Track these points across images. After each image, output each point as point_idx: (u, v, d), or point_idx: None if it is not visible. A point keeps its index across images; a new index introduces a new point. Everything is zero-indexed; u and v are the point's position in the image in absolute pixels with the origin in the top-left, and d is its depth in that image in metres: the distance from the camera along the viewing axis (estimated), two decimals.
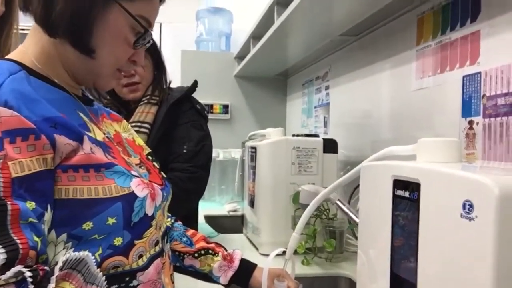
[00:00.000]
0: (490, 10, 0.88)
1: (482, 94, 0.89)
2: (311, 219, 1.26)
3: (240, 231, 1.59)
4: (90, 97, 0.74)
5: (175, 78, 2.36)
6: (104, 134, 0.66)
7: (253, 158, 1.39)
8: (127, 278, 0.60)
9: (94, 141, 0.60)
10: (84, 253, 0.53)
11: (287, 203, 1.29)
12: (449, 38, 1.01)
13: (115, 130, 0.74)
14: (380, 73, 1.36)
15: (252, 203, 1.41)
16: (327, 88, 1.85)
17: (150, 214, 0.63)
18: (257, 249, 1.36)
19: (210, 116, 2.41)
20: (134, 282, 0.61)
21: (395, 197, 0.56)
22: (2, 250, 0.45)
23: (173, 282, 0.72)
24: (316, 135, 1.39)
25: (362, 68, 1.48)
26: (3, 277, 0.45)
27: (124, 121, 0.82)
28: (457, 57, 0.97)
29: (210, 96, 2.44)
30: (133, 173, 0.63)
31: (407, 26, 1.18)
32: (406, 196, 0.53)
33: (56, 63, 0.63)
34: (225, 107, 2.47)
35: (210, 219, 1.90)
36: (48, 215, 0.52)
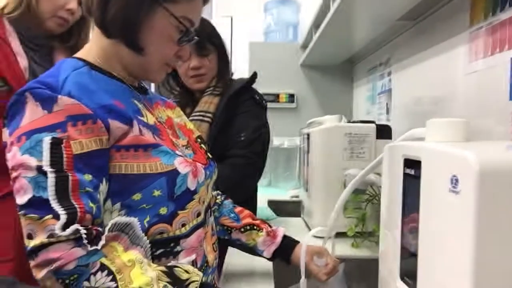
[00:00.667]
0: None
1: None
2: (362, 204, 1.29)
3: (300, 215, 1.66)
4: (147, 87, 0.86)
5: (244, 69, 2.48)
6: (157, 118, 0.77)
7: (308, 144, 1.44)
8: (172, 244, 0.71)
9: (145, 124, 0.71)
10: (131, 219, 0.65)
11: (339, 187, 1.32)
12: (499, 19, 0.97)
13: (167, 116, 0.84)
14: (436, 57, 1.33)
15: (306, 188, 1.46)
16: (389, 74, 1.83)
17: (192, 188, 0.72)
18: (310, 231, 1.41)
19: (276, 105, 2.51)
20: (178, 248, 0.71)
21: (405, 175, 0.59)
22: (64, 212, 0.58)
23: (215, 251, 0.82)
24: (371, 121, 1.41)
25: (420, 52, 1.46)
26: (64, 233, 0.57)
27: (178, 108, 0.92)
28: (506, 38, 0.94)
29: (276, 86, 2.52)
30: (178, 152, 0.73)
31: (460, 8, 1.15)
32: (412, 173, 0.56)
33: (114, 60, 0.74)
34: (291, 96, 2.53)
35: (273, 204, 1.98)
36: (103, 187, 0.64)
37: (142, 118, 0.72)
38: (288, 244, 0.96)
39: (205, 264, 0.75)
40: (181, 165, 0.71)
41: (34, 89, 0.62)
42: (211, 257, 0.78)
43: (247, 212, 1.01)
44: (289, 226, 1.51)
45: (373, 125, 1.35)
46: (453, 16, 1.21)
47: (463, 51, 1.14)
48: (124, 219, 0.64)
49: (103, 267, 0.58)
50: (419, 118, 1.48)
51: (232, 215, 0.99)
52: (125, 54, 0.73)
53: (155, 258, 0.68)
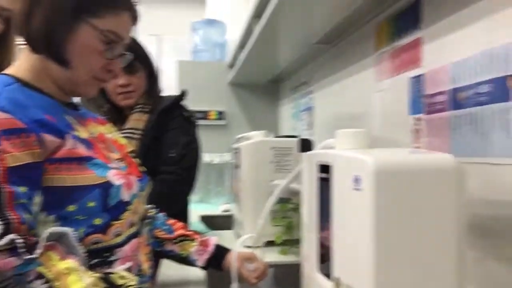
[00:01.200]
0: (428, 19, 1.00)
1: (424, 93, 1.00)
2: (289, 212, 1.38)
3: (232, 229, 1.71)
4: (77, 103, 0.87)
5: (173, 87, 2.51)
6: (89, 133, 0.79)
7: (237, 159, 1.51)
8: (107, 253, 0.73)
9: (78, 138, 0.73)
10: (66, 229, 0.66)
11: (267, 198, 1.40)
12: (399, 44, 1.12)
13: (100, 131, 0.87)
14: (350, 77, 1.48)
15: (237, 201, 1.53)
16: (310, 93, 1.97)
17: (126, 200, 0.75)
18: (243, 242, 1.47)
19: (206, 122, 2.56)
20: (113, 257, 0.74)
21: (319, 179, 0.68)
22: None
23: (150, 260, 0.85)
24: (295, 136, 1.51)
25: (336, 73, 1.61)
26: None
27: (109, 124, 0.95)
28: (405, 61, 1.09)
29: (206, 103, 2.58)
30: (111, 165, 0.76)
31: (368, 34, 1.30)
32: (325, 177, 0.65)
33: (43, 75, 0.76)
34: (220, 113, 2.60)
35: (205, 219, 2.02)
36: (38, 198, 0.65)
37: (74, 133, 0.74)
38: (220, 252, 1.01)
39: (140, 273, 0.78)
40: (115, 177, 0.74)
41: None
42: (146, 266, 0.81)
43: (180, 224, 1.05)
44: (221, 238, 1.54)
45: (296, 139, 1.45)
46: (362, 41, 1.36)
47: (372, 72, 1.28)
48: (59, 229, 0.66)
49: (40, 276, 0.59)
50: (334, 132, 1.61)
51: (165, 227, 1.02)
52: (53, 69, 0.75)
53: (90, 268, 0.70)
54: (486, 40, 0.80)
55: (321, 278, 0.66)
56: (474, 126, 0.83)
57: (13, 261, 0.58)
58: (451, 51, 0.91)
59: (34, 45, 0.73)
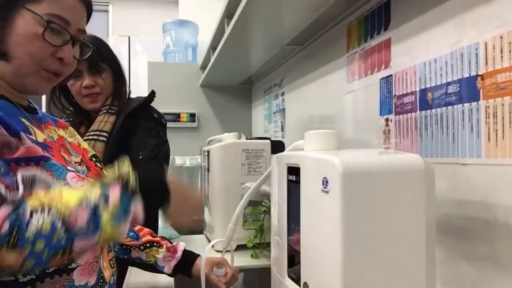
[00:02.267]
0: (397, 20, 1.00)
1: (393, 94, 1.00)
2: (261, 215, 1.36)
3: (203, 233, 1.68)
4: (36, 106, 0.83)
5: (144, 89, 2.45)
6: (46, 137, 0.75)
7: (208, 161, 1.48)
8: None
9: (34, 142, 0.69)
10: (36, 171, 0.63)
11: (238, 201, 1.38)
12: (369, 45, 1.12)
13: (59, 135, 0.82)
14: (322, 78, 1.47)
15: (208, 204, 1.49)
16: (282, 94, 1.96)
17: None
18: (213, 246, 1.44)
19: (177, 124, 2.51)
20: (73, 265, 0.70)
21: (288, 181, 0.66)
22: None
23: (112, 267, 0.81)
24: (267, 138, 1.49)
25: (308, 74, 1.60)
26: None
27: (70, 128, 0.90)
28: (375, 62, 1.09)
29: (177, 105, 2.53)
30: (69, 168, 0.72)
31: (340, 35, 1.30)
32: (294, 179, 0.63)
33: None
34: (192, 115, 2.56)
35: None
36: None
37: (30, 136, 0.70)
38: (189, 258, 0.98)
39: (101, 280, 0.74)
40: (73, 180, 0.70)
41: None
42: (108, 273, 0.77)
43: (146, 230, 1.01)
44: (192, 243, 1.52)
45: (268, 141, 1.43)
46: (333, 42, 1.36)
47: (343, 73, 1.28)
48: (31, 172, 0.63)
49: (35, 209, 0.55)
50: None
51: (131, 233, 0.98)
52: None
53: (47, 276, 0.66)
54: (454, 40, 0.80)
55: (289, 282, 0.64)
56: (442, 126, 0.83)
57: (3, 210, 0.54)
58: (419, 52, 0.91)
59: None
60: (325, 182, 0.53)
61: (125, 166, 0.66)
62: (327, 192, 0.52)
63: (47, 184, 0.64)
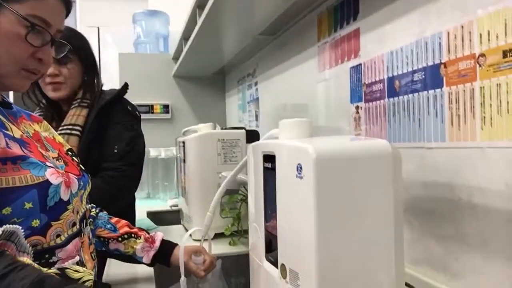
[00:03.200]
0: (365, 10, 1.03)
1: (363, 82, 1.03)
2: (237, 203, 1.38)
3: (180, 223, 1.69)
4: (10, 101, 0.82)
5: (115, 80, 2.42)
6: (22, 132, 0.74)
7: (183, 152, 1.49)
8: (47, 255, 0.69)
9: (11, 137, 0.69)
10: (16, 227, 0.62)
11: (215, 191, 1.39)
12: (339, 35, 1.15)
13: (34, 130, 0.82)
14: (294, 68, 1.49)
15: (184, 195, 1.51)
16: (256, 84, 1.98)
17: (65, 199, 0.72)
18: (190, 235, 1.46)
19: (150, 116, 2.50)
20: (54, 258, 0.70)
21: (264, 169, 0.68)
22: None
23: (93, 259, 0.82)
24: (242, 128, 1.51)
25: (281, 64, 1.62)
26: None
27: (45, 122, 0.90)
28: (345, 51, 1.12)
29: (150, 97, 2.52)
30: (48, 164, 0.72)
31: (310, 25, 1.32)
32: (269, 167, 0.65)
33: None
34: (166, 106, 2.55)
35: (153, 215, 1.98)
36: None
37: (7, 132, 0.69)
38: (167, 247, 0.99)
39: None
40: (53, 176, 0.70)
41: None
42: (89, 265, 0.78)
43: (123, 221, 1.02)
44: (170, 233, 1.53)
45: (243, 130, 1.45)
46: (304, 32, 1.38)
47: (314, 62, 1.31)
48: (9, 227, 0.62)
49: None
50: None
51: (108, 226, 0.99)
52: None
53: None
54: (419, 30, 0.84)
55: (267, 265, 0.67)
56: (409, 112, 0.87)
57: None
58: (386, 41, 0.94)
59: None
60: (299, 168, 0.55)
61: (86, 276, 0.66)
62: (301, 177, 0.55)
63: (18, 247, 0.63)
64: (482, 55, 0.69)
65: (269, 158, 0.65)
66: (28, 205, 0.66)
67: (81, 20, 3.27)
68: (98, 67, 1.49)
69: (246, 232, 1.36)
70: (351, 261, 0.54)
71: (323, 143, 0.59)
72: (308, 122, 0.66)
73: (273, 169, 0.63)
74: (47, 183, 0.69)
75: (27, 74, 0.74)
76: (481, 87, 0.69)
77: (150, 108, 2.50)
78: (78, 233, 0.76)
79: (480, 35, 0.69)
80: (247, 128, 1.79)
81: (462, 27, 0.73)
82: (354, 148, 0.57)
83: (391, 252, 0.57)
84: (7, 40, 0.69)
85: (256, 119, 1.99)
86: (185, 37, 1.96)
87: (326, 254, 0.53)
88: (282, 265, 0.60)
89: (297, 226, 0.57)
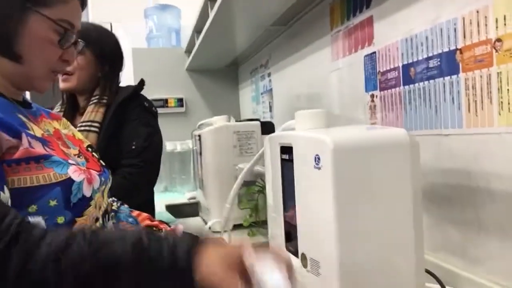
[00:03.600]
0: None
1: (377, 70, 1.03)
2: (255, 195, 1.39)
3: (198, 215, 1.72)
4: (29, 101, 0.84)
5: (129, 75, 2.44)
6: (43, 131, 0.77)
7: (200, 145, 1.51)
8: None
9: (33, 137, 0.71)
10: (37, 219, 0.65)
11: (232, 183, 1.41)
12: (352, 23, 1.14)
13: (54, 128, 0.84)
14: (307, 58, 1.49)
15: (202, 188, 1.53)
16: (269, 75, 1.98)
17: (88, 195, 0.74)
18: (210, 227, 1.48)
19: (165, 110, 2.52)
20: None
21: (282, 160, 0.69)
22: None
23: None
24: (256, 119, 1.52)
25: (294, 54, 1.62)
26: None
27: (64, 119, 0.92)
28: (358, 40, 1.12)
29: (164, 91, 2.54)
30: (70, 161, 0.74)
31: (323, 14, 1.32)
32: (287, 158, 0.66)
33: None
34: (180, 100, 2.57)
35: (171, 208, 2.01)
36: (4, 195, 0.63)
37: (29, 131, 0.71)
38: None
39: None
40: (75, 173, 0.72)
41: None
42: None
43: (145, 214, 1.04)
44: (189, 226, 1.56)
45: (258, 122, 1.46)
46: (316, 21, 1.38)
47: (327, 51, 1.30)
48: (33, 219, 0.65)
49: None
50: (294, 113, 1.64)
51: (130, 219, 1.01)
52: (5, 65, 0.72)
53: None
54: (434, 16, 0.83)
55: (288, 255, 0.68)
56: (425, 99, 0.86)
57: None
58: (400, 28, 0.94)
59: None
60: (317, 159, 0.56)
61: None
62: (319, 168, 0.55)
63: None
64: (499, 40, 0.68)
65: (286, 150, 0.66)
66: (52, 203, 0.68)
67: (94, 15, 3.30)
68: (122, 65, 1.50)
69: (264, 222, 1.37)
70: (371, 249, 0.55)
71: (340, 133, 0.60)
72: (325, 112, 0.67)
73: (290, 160, 0.64)
74: (70, 181, 0.70)
75: (53, 76, 0.77)
76: (498, 72, 0.69)
77: (164, 102, 2.52)
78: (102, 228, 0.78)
79: (496, 19, 0.69)
80: (262, 119, 1.80)
81: (478, 12, 0.72)
82: (372, 137, 0.58)
83: (411, 240, 0.57)
84: (40, 45, 0.72)
85: (270, 110, 2.00)
86: (197, 30, 1.96)
87: (346, 243, 0.54)
88: (303, 254, 0.61)
89: (316, 216, 0.57)
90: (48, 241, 0.53)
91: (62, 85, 1.37)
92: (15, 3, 0.69)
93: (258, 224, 1.37)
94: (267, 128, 1.47)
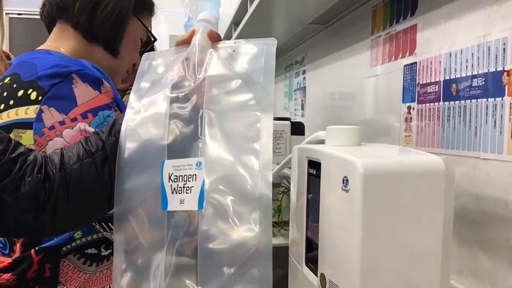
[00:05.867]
0: (425, 5, 0.98)
1: (417, 82, 0.99)
2: (279, 195, 1.38)
3: None
4: None
5: None
6: None
7: None
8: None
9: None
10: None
11: None
12: (394, 30, 1.10)
13: None
14: (344, 59, 1.45)
15: None
16: (304, 72, 1.95)
17: None
18: None
19: None
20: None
21: (309, 174, 0.67)
22: None
23: None
24: (287, 119, 1.50)
25: (330, 54, 1.58)
26: None
27: None
28: (400, 48, 1.07)
29: None
30: None
31: (364, 17, 1.28)
32: (314, 173, 0.64)
33: (85, 59, 0.78)
34: None
35: None
36: None
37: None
38: None
39: None
40: None
41: (79, 71, 0.67)
42: None
43: None
44: None
45: (288, 122, 1.44)
46: (357, 24, 1.34)
47: (366, 56, 1.27)
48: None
49: None
50: (328, 114, 1.61)
51: None
52: (97, 56, 0.81)
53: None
54: (483, 32, 0.79)
55: (307, 271, 0.67)
56: (465, 119, 0.82)
57: None
58: (445, 41, 0.89)
59: (93, 35, 0.78)
60: (345, 181, 0.54)
61: None
62: (347, 191, 0.54)
63: None
64: None
65: (314, 165, 0.64)
66: None
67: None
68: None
69: (286, 223, 1.36)
70: (395, 281, 0.53)
71: (371, 155, 0.57)
72: (357, 129, 0.65)
73: (317, 176, 0.63)
74: None
75: (126, 75, 0.90)
76: None
77: None
78: None
79: None
80: (293, 118, 1.78)
81: None
82: (405, 163, 0.55)
83: (437, 273, 0.55)
84: (133, 47, 0.84)
85: (302, 108, 1.97)
86: (235, 22, 1.95)
87: (370, 270, 0.52)
88: (322, 274, 0.60)
89: (340, 239, 0.56)
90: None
91: (120, 85, 1.42)
92: (130, 9, 0.80)
93: (280, 224, 1.36)
94: (297, 129, 1.45)
